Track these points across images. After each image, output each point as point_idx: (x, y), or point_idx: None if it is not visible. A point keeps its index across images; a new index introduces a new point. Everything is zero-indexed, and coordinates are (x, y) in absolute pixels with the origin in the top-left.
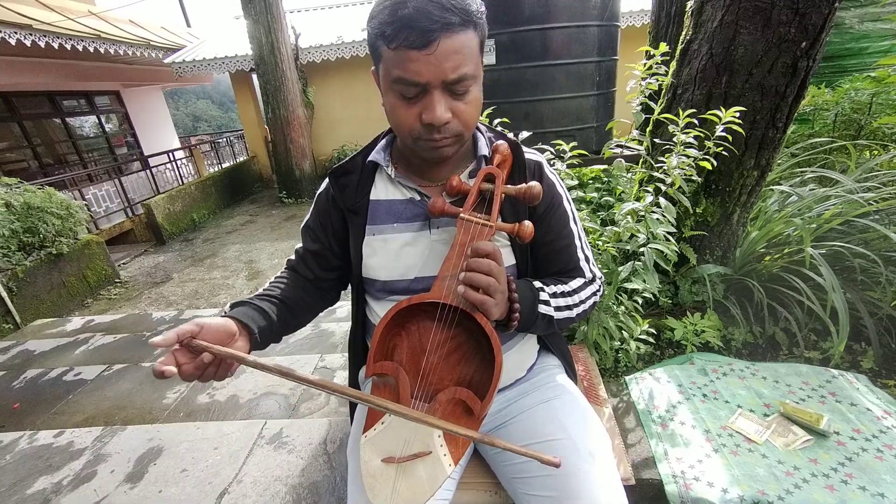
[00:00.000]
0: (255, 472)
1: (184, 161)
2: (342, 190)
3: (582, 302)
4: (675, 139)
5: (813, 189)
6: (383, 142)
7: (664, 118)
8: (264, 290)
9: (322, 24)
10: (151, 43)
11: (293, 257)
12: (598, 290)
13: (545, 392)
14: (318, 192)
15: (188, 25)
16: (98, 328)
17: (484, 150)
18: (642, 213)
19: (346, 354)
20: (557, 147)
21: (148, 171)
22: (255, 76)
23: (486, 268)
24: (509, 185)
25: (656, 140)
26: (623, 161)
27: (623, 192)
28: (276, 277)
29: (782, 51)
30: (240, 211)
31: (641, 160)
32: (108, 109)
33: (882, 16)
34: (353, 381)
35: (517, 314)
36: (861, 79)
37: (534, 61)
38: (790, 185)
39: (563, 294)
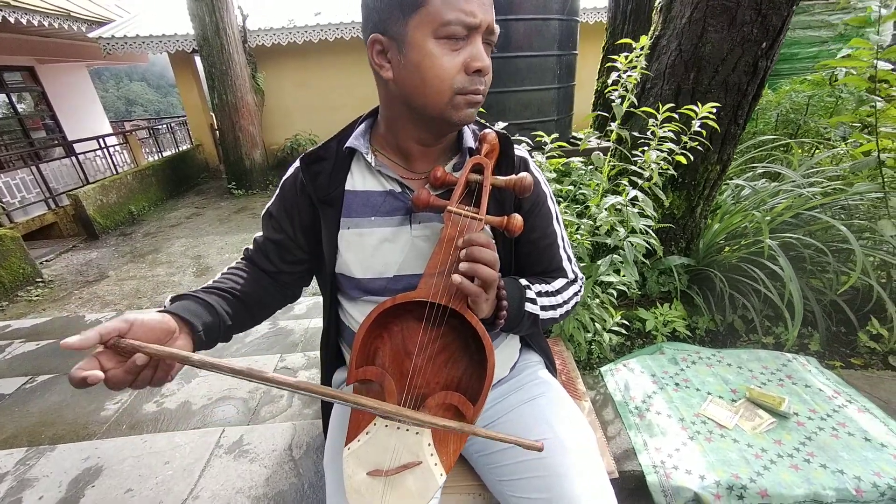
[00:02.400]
0: (213, 485)
1: (117, 148)
2: (314, 178)
3: (565, 302)
4: (650, 133)
5: (764, 183)
6: (361, 126)
7: (642, 111)
8: (214, 281)
9: (272, 7)
10: (72, 13)
11: (249, 247)
12: (580, 291)
13: (530, 390)
14: (285, 177)
15: None
16: (16, 334)
17: (469, 141)
18: (619, 207)
19: (308, 354)
20: (538, 139)
21: (73, 157)
22: (198, 58)
23: (489, 258)
24: (498, 177)
25: (635, 133)
26: (601, 154)
27: (597, 185)
28: (228, 268)
29: (745, 50)
30: (185, 203)
31: (611, 153)
32: (19, 87)
33: (811, 24)
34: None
35: (504, 312)
36: (800, 81)
37: (497, 54)
38: (744, 180)
39: (548, 293)
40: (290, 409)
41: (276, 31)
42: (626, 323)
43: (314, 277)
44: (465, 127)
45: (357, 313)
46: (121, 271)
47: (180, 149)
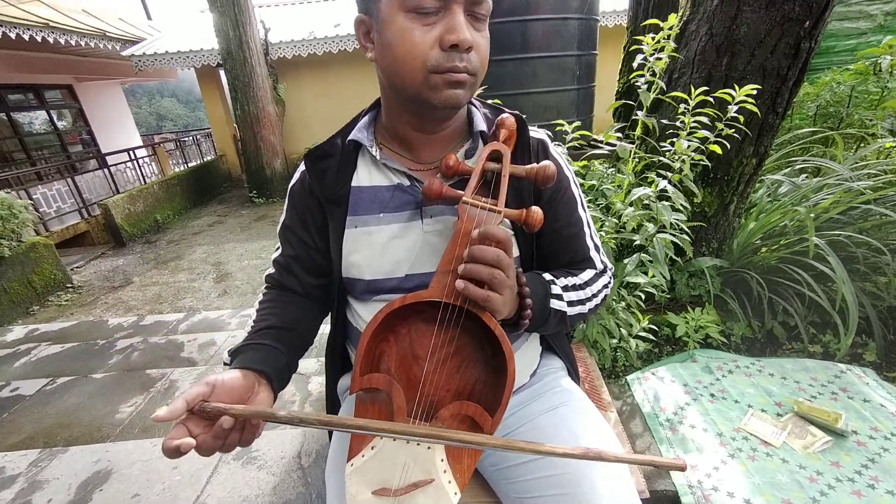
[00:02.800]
0: (219, 492)
1: (146, 160)
2: (320, 176)
3: (594, 295)
4: (680, 122)
5: (805, 179)
6: (365, 119)
7: (672, 97)
8: (255, 323)
9: (293, 20)
10: (107, 34)
11: (272, 271)
12: (609, 283)
13: (551, 398)
14: (292, 184)
15: (149, 18)
16: (43, 338)
17: (481, 125)
18: (647, 202)
19: (322, 360)
20: (558, 128)
21: (105, 169)
22: (222, 72)
23: (492, 257)
24: (518, 165)
25: (664, 122)
26: (627, 145)
27: (622, 179)
28: (260, 304)
29: (785, 30)
30: (207, 211)
31: (637, 145)
32: (59, 104)
33: (848, 15)
34: (332, 393)
35: (528, 311)
36: (840, 72)
37: (514, 54)
38: (782, 175)
39: (575, 287)
40: None
41: (296, 44)
42: (654, 328)
43: None
44: (474, 108)
45: (367, 314)
46: (144, 277)
47: (205, 160)
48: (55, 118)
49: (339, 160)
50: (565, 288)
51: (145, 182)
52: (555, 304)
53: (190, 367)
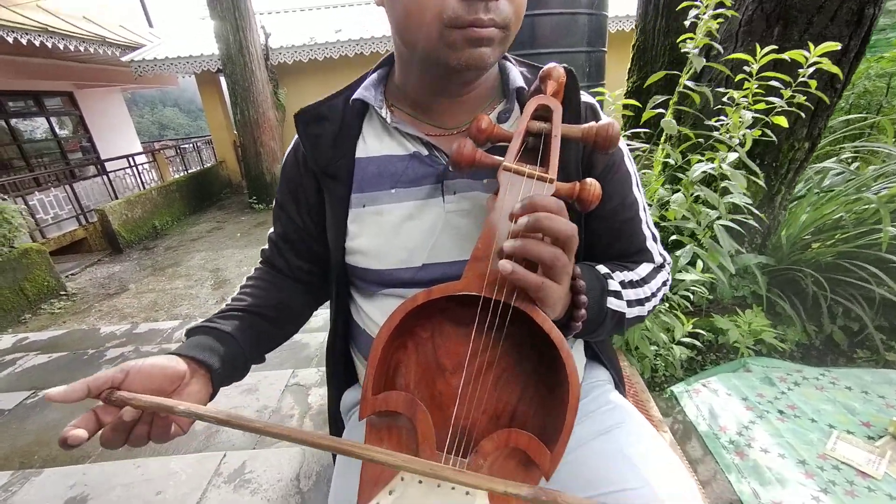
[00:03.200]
0: None
1: (146, 167)
2: (314, 144)
3: (653, 295)
4: (728, 99)
5: (857, 167)
6: (373, 76)
7: (733, 58)
8: (232, 299)
9: (294, 26)
10: (107, 39)
11: (266, 246)
12: (668, 280)
13: (602, 419)
14: (286, 155)
15: (150, 25)
16: (32, 347)
17: (518, 81)
18: (695, 188)
19: (323, 370)
20: (599, 97)
21: (104, 176)
22: (222, 78)
23: (555, 229)
24: (573, 125)
25: (721, 90)
26: (673, 122)
27: (664, 161)
28: (248, 278)
29: None
30: (206, 217)
31: (689, 123)
32: (59, 111)
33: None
34: (334, 410)
35: (583, 311)
36: (876, 59)
37: (522, 50)
38: (832, 163)
39: (633, 283)
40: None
41: (297, 49)
42: (699, 332)
43: None
44: (509, 63)
45: (375, 311)
46: (141, 284)
47: (205, 166)
48: (55, 125)
49: (339, 125)
50: (623, 284)
51: (144, 189)
52: (612, 303)
53: None
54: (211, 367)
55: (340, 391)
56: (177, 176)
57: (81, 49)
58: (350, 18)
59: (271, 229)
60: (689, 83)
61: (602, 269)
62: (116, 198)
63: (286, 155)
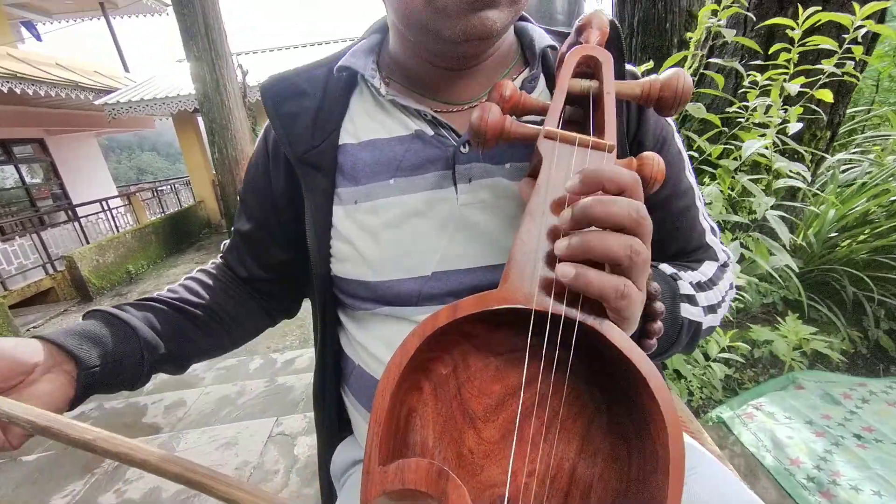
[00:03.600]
0: None
1: (121, 210)
2: (289, 125)
3: (723, 300)
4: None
5: (873, 159)
6: (363, 43)
7: (770, 24)
8: (168, 287)
9: (271, 64)
10: (80, 84)
11: (228, 242)
12: (734, 282)
13: None
14: (256, 146)
15: (126, 70)
16: None
17: (546, 39)
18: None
19: (310, 416)
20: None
21: (75, 222)
22: (200, 117)
23: (625, 215)
24: (629, 81)
25: (755, 76)
26: (702, 106)
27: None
28: (197, 271)
29: None
30: (184, 259)
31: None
32: (29, 159)
33: None
34: (323, 468)
35: (658, 323)
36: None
37: None
38: (850, 154)
39: (701, 286)
40: (287, 489)
41: None
42: (735, 346)
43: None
44: (529, 24)
45: (370, 338)
46: None
47: (183, 207)
48: (25, 173)
49: (320, 101)
50: (694, 287)
51: (118, 233)
52: (686, 311)
53: (151, 434)
54: (80, 362)
55: (331, 444)
56: (153, 218)
57: (52, 94)
58: (329, 54)
59: (234, 225)
60: (716, 60)
61: (666, 268)
62: (88, 244)
63: (258, 142)
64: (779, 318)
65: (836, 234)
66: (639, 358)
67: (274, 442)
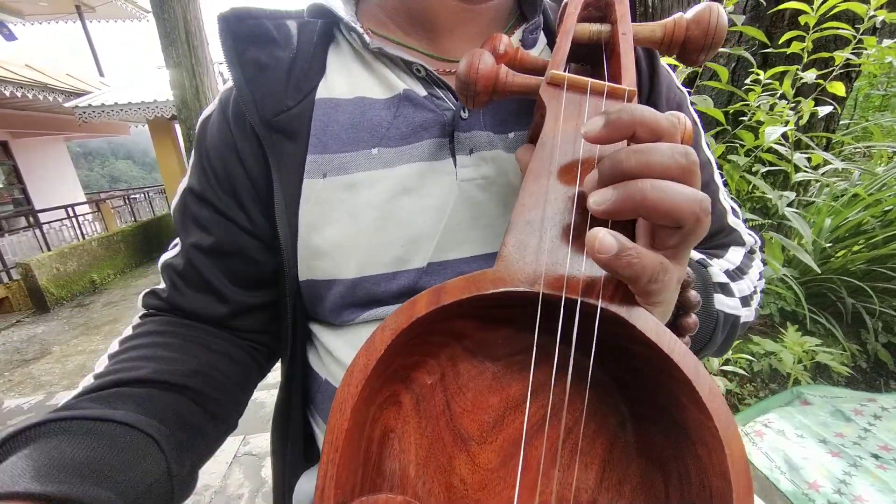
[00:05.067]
0: None
1: (88, 218)
2: (257, 75)
3: (755, 292)
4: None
5: (864, 169)
6: None
7: (786, 8)
8: (96, 376)
9: None
10: (48, 85)
11: (157, 286)
12: (763, 270)
13: None
14: (201, 121)
15: (101, 74)
16: None
17: None
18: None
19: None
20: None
21: (37, 229)
22: (177, 125)
23: (673, 164)
24: (646, 22)
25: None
26: (709, 98)
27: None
28: (125, 339)
29: None
30: (155, 269)
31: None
32: None
33: None
34: (280, 501)
35: (693, 316)
36: None
37: None
38: (844, 163)
39: (731, 274)
40: None
41: None
42: (738, 358)
43: None
44: None
45: (349, 350)
46: (68, 346)
47: (156, 215)
48: None
49: (293, 53)
50: (728, 274)
51: (83, 240)
52: (721, 303)
53: None
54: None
55: (293, 475)
56: (123, 226)
57: (18, 95)
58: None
59: (168, 255)
60: (724, 50)
61: (694, 253)
62: (49, 251)
63: (202, 121)
64: (780, 330)
65: (829, 244)
66: (682, 355)
67: (239, 463)
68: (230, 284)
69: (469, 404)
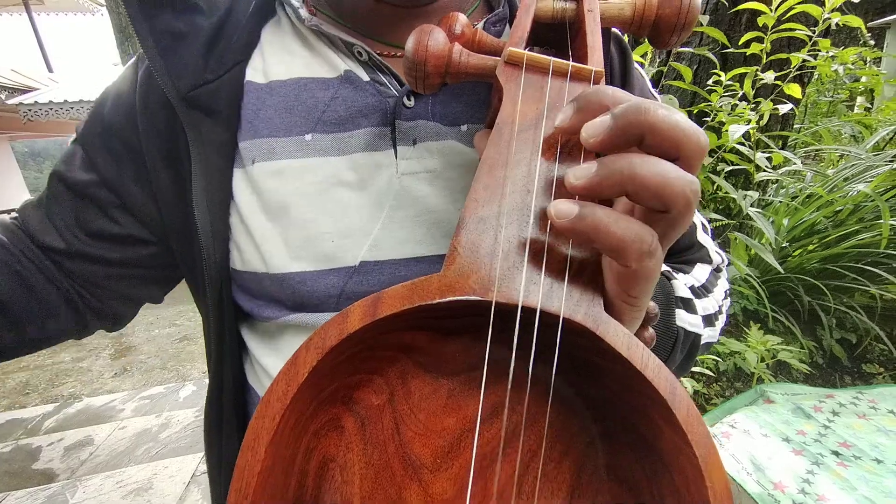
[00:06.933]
0: None
1: None
2: (171, 45)
3: (719, 311)
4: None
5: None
6: None
7: (745, 8)
8: None
9: None
10: None
11: (33, 198)
12: (729, 289)
13: None
14: (112, 85)
15: (50, 71)
16: None
17: None
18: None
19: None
20: None
21: None
22: None
23: (674, 131)
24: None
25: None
26: (675, 99)
27: None
28: None
29: None
30: None
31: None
32: None
33: None
34: None
35: (650, 330)
36: None
37: None
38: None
39: (696, 291)
40: None
41: None
42: (709, 358)
43: (176, 284)
44: None
45: (275, 357)
46: (10, 362)
47: None
48: None
49: (220, 20)
50: (692, 290)
51: None
52: (682, 319)
53: (41, 484)
54: None
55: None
56: None
57: None
58: None
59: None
60: (683, 48)
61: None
62: None
63: (121, 75)
64: (744, 329)
65: (786, 244)
66: (656, 371)
67: (198, 483)
68: (73, 223)
69: (421, 427)
